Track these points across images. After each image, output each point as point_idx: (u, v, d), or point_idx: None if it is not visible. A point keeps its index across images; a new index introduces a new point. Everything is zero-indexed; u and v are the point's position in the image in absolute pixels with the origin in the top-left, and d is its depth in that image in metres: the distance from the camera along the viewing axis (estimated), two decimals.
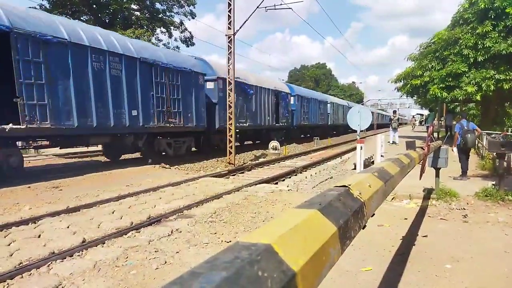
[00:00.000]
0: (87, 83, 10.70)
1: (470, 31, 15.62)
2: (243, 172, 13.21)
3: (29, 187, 8.77)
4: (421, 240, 5.07)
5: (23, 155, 11.17)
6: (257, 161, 15.95)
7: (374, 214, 1.63)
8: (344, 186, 1.45)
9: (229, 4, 13.76)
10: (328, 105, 35.83)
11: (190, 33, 34.97)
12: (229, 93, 14.59)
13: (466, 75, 15.64)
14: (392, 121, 19.54)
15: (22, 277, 4.00)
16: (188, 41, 35.16)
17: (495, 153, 8.19)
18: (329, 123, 36.18)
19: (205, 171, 13.11)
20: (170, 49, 27.64)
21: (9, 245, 5.02)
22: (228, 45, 14.20)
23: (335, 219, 1.11)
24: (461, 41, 15.68)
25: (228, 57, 14.33)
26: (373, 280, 3.81)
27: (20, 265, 4.26)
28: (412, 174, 4.18)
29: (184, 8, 33.78)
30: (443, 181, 7.83)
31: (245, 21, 14.60)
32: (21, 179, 9.32)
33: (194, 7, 34.14)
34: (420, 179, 5.48)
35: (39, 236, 5.39)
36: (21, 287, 3.80)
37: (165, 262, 4.45)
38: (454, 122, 25.75)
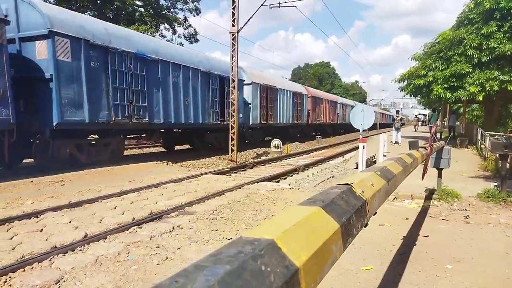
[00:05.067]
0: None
1: (475, 31, 15.57)
2: (244, 170, 13.22)
3: (32, 181, 8.81)
4: (422, 240, 5.07)
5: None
6: (259, 159, 15.96)
7: (376, 213, 1.63)
8: (347, 184, 1.45)
9: (233, 2, 13.74)
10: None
11: (194, 30, 34.97)
12: (232, 90, 14.58)
13: (470, 75, 15.59)
14: (395, 121, 19.51)
15: (24, 270, 4.02)
16: (192, 38, 35.16)
17: (497, 155, 8.17)
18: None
19: (207, 168, 13.13)
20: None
21: (11, 238, 5.05)
22: (232, 43, 14.18)
23: (338, 217, 1.11)
24: (465, 42, 15.62)
25: (232, 55, 14.32)
26: (373, 279, 3.81)
27: (22, 259, 4.28)
28: (414, 174, 4.18)
29: (189, 4, 33.76)
30: (445, 181, 7.82)
31: (250, 19, 14.60)
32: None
33: (199, 4, 34.12)
34: (422, 179, 5.48)
35: (41, 230, 5.41)
36: (22, 281, 3.81)
37: (167, 258, 4.46)
38: (458, 123, 25.64)
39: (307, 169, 13.52)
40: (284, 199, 7.80)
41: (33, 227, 5.53)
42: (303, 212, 1.04)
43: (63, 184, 8.88)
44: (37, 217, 6.06)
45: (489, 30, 14.85)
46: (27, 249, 4.58)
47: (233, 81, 14.40)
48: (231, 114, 14.70)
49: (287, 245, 0.81)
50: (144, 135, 16.57)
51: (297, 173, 12.56)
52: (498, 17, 14.84)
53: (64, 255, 4.47)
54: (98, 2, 28.72)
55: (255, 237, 0.81)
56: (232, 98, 14.63)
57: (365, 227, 1.39)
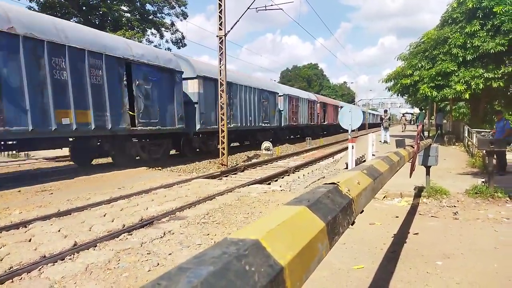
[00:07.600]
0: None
1: (458, 30, 15.79)
2: (235, 173, 13.20)
3: (19, 191, 8.67)
4: (413, 237, 5.12)
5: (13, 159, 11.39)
6: (249, 162, 15.95)
7: (363, 211, 1.64)
8: (333, 183, 1.46)
9: (220, 5, 13.76)
10: None
11: (182, 34, 34.87)
12: (220, 94, 14.56)
13: (456, 74, 15.80)
14: (383, 121, 19.68)
15: (12, 281, 3.96)
16: (180, 42, 35.06)
17: (484, 151, 8.29)
18: None
19: (198, 172, 13.08)
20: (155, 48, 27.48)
21: None
22: (220, 46, 14.18)
23: (323, 215, 1.12)
24: (450, 41, 15.84)
25: (220, 58, 14.31)
26: (365, 278, 3.83)
27: (11, 270, 4.21)
28: (403, 172, 4.23)
29: (175, 9, 33.67)
30: (434, 179, 7.91)
31: (236, 22, 14.60)
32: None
33: (186, 8, 34.04)
34: (410, 177, 5.52)
35: (29, 240, 5.33)
36: None
37: (158, 264, 4.43)
38: (445, 121, 25.90)
39: (298, 171, 13.56)
40: (276, 201, 7.81)
41: (21, 237, 5.44)
42: (289, 211, 1.05)
43: (51, 193, 8.76)
44: (25, 227, 5.97)
45: (473, 29, 15.08)
46: (15, 260, 4.51)
47: (221, 84, 14.38)
48: (221, 117, 14.68)
49: (271, 244, 0.81)
50: None
51: (288, 175, 12.59)
52: (480, 16, 15.09)
53: (53, 265, 4.41)
54: (84, 8, 28.48)
55: (240, 237, 0.82)
56: (221, 102, 14.60)
57: (352, 225, 1.40)
